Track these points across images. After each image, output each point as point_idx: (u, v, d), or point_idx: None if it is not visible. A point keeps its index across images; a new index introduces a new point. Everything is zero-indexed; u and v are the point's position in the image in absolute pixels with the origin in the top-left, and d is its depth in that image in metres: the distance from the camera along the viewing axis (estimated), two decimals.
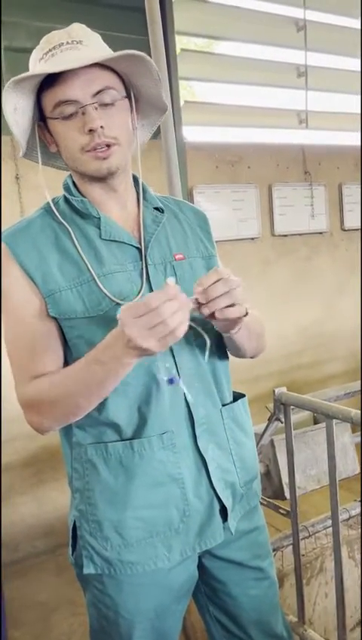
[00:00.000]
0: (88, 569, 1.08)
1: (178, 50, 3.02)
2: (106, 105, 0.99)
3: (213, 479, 1.10)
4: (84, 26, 1.05)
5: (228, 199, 3.32)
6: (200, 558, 1.16)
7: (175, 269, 1.10)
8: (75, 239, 1.05)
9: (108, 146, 0.99)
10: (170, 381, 1.02)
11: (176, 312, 0.84)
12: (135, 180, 1.15)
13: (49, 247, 1.04)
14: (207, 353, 1.02)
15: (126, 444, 1.04)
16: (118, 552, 1.06)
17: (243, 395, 1.23)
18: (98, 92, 0.98)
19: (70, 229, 1.05)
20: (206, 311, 0.94)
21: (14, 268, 1.03)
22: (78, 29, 1.03)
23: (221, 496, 1.10)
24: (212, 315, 0.95)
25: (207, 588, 1.22)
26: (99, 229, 1.06)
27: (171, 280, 0.87)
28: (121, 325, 0.86)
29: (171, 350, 1.05)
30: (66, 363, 1.07)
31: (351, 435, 2.25)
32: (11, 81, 0.95)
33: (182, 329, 0.86)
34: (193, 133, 3.24)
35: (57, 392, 1.00)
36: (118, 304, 1.00)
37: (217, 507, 1.11)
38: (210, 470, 1.09)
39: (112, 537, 1.05)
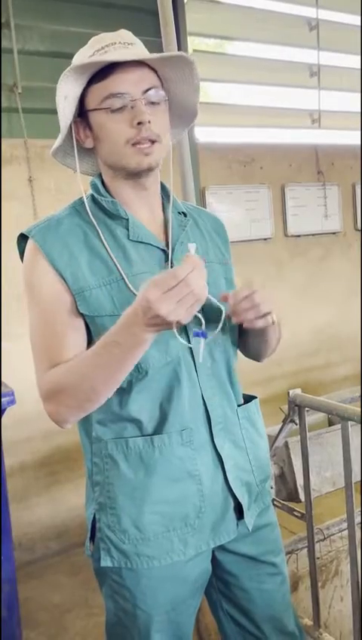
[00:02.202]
0: (105, 562, 1.09)
1: (190, 51, 3.03)
2: (153, 103, 1.03)
3: (228, 476, 1.12)
4: (130, 32, 1.09)
5: (241, 200, 3.31)
6: (214, 552, 1.18)
7: None
8: (103, 239, 1.06)
9: (152, 142, 1.02)
10: (203, 334, 1.00)
11: (200, 278, 0.87)
12: (161, 186, 1.17)
13: (79, 246, 1.06)
14: (221, 323, 1.04)
15: (147, 440, 1.06)
16: (135, 545, 1.07)
17: (254, 397, 1.24)
18: (147, 90, 1.02)
19: (99, 229, 1.07)
20: (235, 320, 1.04)
21: (44, 264, 1.04)
22: (128, 33, 1.08)
23: (236, 494, 1.12)
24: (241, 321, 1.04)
25: (220, 582, 1.23)
26: (128, 229, 1.08)
27: (193, 247, 0.91)
28: (147, 302, 0.86)
29: (190, 350, 1.07)
30: None
31: None
32: (73, 67, 0.98)
33: (205, 294, 0.89)
34: (205, 134, 3.24)
35: (74, 377, 1.00)
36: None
37: (232, 504, 1.13)
38: (226, 468, 1.11)
39: (130, 531, 1.07)
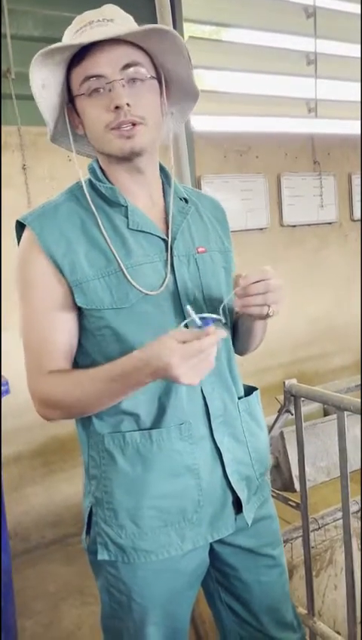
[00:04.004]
0: (102, 555, 1.08)
1: (186, 38, 2.99)
2: (134, 82, 0.98)
3: (227, 470, 1.10)
4: (117, 7, 1.04)
5: (237, 189, 3.29)
6: (211, 545, 1.17)
7: (197, 262, 1.10)
8: (102, 228, 1.03)
9: (133, 124, 0.97)
10: (206, 322, 0.99)
11: (216, 349, 0.89)
12: (161, 169, 1.13)
13: (77, 235, 1.02)
14: (223, 304, 1.05)
15: (144, 434, 1.04)
16: (132, 540, 1.06)
17: (255, 388, 1.23)
18: (125, 67, 0.97)
19: (98, 217, 1.03)
20: (238, 303, 1.00)
21: (40, 256, 1.01)
22: (110, 9, 1.03)
23: (235, 488, 1.11)
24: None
25: (218, 574, 1.23)
26: (127, 218, 1.05)
27: (212, 328, 0.90)
28: (168, 366, 0.87)
29: None
30: (88, 354, 1.07)
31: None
32: (39, 53, 0.94)
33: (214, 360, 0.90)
34: (201, 122, 3.21)
35: (69, 397, 1.01)
36: (147, 295, 1.02)
37: (230, 498, 1.12)
38: (225, 462, 1.10)
39: (127, 525, 1.06)
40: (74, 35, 0.99)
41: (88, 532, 1.12)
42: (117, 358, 1.00)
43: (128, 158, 1.02)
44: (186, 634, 1.20)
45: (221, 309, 1.03)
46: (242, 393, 1.18)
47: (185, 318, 1.03)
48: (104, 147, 1.01)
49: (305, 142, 3.56)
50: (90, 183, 1.07)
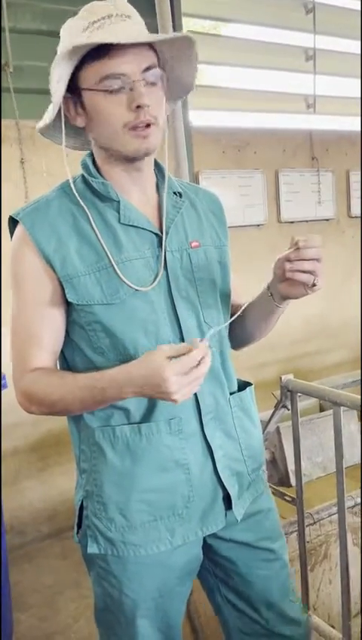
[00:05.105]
0: (92, 549, 1.09)
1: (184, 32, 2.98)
2: (151, 84, 0.98)
3: (218, 466, 1.10)
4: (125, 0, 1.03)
5: (235, 185, 3.29)
6: (205, 539, 1.17)
7: (190, 257, 1.10)
8: (93, 223, 1.03)
9: (147, 125, 0.98)
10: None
11: (208, 364, 0.90)
12: (156, 164, 1.13)
13: (68, 231, 1.03)
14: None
15: (134, 428, 1.04)
16: (121, 533, 1.07)
17: (250, 384, 1.23)
18: (146, 69, 0.97)
19: (89, 213, 1.03)
20: (287, 266, 0.98)
21: (31, 252, 1.02)
22: (123, 3, 1.01)
23: (225, 484, 1.11)
24: (283, 275, 1.00)
25: (217, 569, 1.23)
26: (119, 213, 1.05)
27: (206, 342, 0.92)
28: (163, 381, 0.88)
29: (182, 338, 1.06)
30: (77, 348, 1.07)
31: (357, 422, 2.24)
32: (70, 50, 0.92)
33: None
34: (199, 118, 3.21)
35: (52, 397, 1.02)
36: (138, 291, 1.02)
37: (221, 494, 1.12)
38: (215, 457, 1.10)
39: (117, 519, 1.06)
40: (89, 27, 0.96)
41: (80, 525, 1.13)
42: (107, 353, 1.02)
43: (135, 158, 1.02)
44: (180, 629, 1.20)
45: (220, 304, 1.04)
46: (235, 388, 1.18)
47: (176, 314, 1.05)
48: (117, 145, 1.00)
49: (304, 138, 3.56)
50: (83, 179, 1.07)
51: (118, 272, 1.01)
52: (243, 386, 1.21)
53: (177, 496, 1.07)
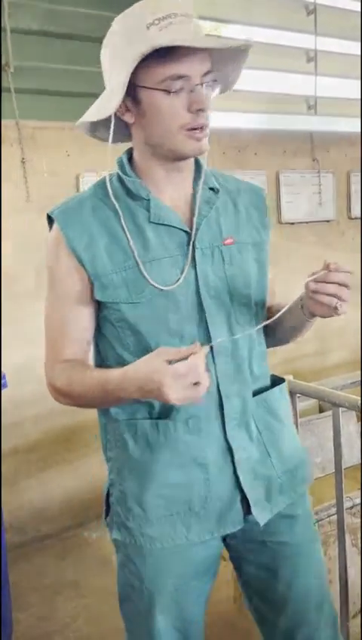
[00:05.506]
0: (115, 534, 1.12)
1: None
2: (209, 87, 1.00)
3: (238, 469, 1.09)
4: None
5: None
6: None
7: (223, 254, 1.09)
8: (123, 222, 1.04)
9: (202, 128, 0.99)
10: None
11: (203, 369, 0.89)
12: (194, 160, 1.13)
13: (99, 230, 1.04)
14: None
15: (153, 424, 1.06)
16: (139, 524, 1.09)
17: (282, 380, 1.22)
18: (206, 73, 0.98)
19: (120, 212, 1.04)
20: (312, 286, 0.99)
21: (63, 249, 1.04)
22: (185, 1, 0.99)
23: (245, 487, 1.09)
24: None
25: (256, 580, 1.20)
26: (148, 211, 1.05)
27: (207, 348, 0.93)
28: (161, 386, 0.88)
29: (208, 331, 1.05)
30: (110, 344, 1.09)
31: (356, 423, 2.25)
32: (149, 48, 0.90)
33: (207, 382, 0.91)
34: None
35: (77, 392, 1.06)
36: (163, 290, 1.02)
37: (239, 496, 1.10)
38: (235, 459, 1.09)
39: (135, 510, 1.09)
40: (155, 23, 0.94)
41: (107, 511, 1.16)
42: (133, 350, 1.05)
43: (182, 158, 1.04)
44: (200, 625, 1.18)
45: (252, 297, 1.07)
46: (265, 387, 1.16)
47: (203, 313, 1.05)
48: (170, 145, 1.01)
49: (305, 139, 3.56)
50: (119, 177, 1.08)
51: (144, 272, 1.02)
52: (273, 383, 1.20)
53: (194, 493, 1.08)
